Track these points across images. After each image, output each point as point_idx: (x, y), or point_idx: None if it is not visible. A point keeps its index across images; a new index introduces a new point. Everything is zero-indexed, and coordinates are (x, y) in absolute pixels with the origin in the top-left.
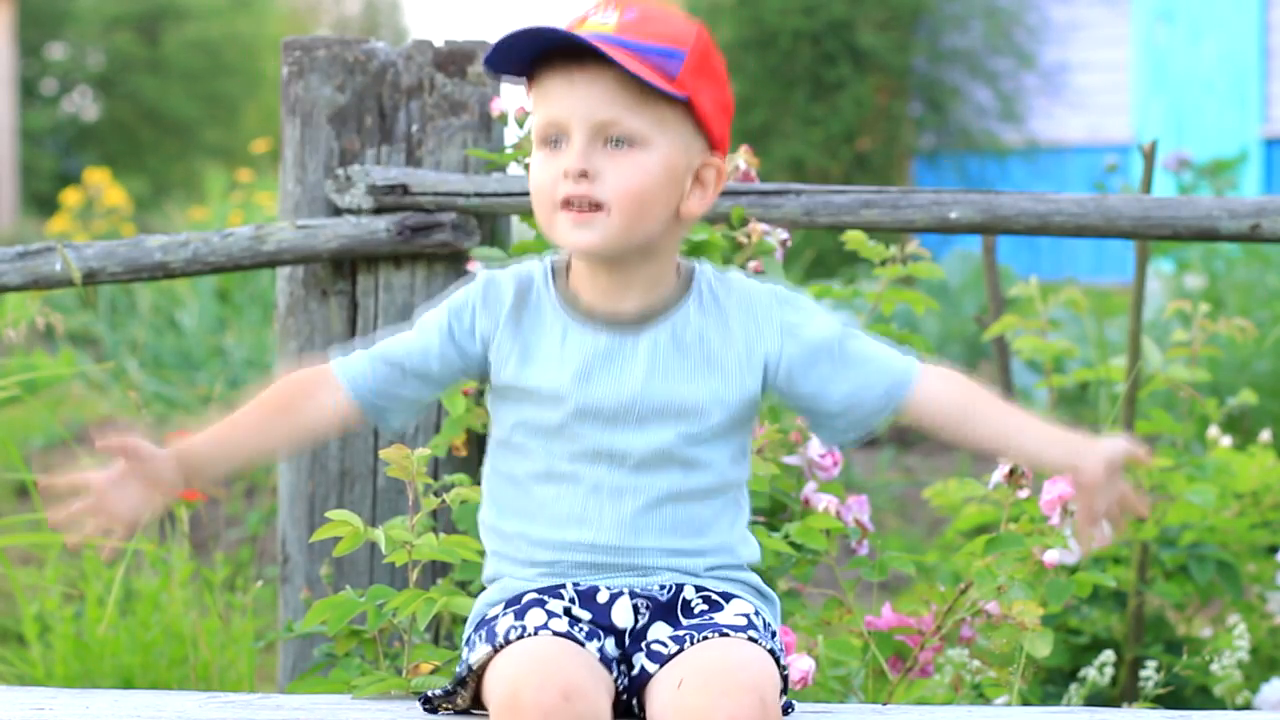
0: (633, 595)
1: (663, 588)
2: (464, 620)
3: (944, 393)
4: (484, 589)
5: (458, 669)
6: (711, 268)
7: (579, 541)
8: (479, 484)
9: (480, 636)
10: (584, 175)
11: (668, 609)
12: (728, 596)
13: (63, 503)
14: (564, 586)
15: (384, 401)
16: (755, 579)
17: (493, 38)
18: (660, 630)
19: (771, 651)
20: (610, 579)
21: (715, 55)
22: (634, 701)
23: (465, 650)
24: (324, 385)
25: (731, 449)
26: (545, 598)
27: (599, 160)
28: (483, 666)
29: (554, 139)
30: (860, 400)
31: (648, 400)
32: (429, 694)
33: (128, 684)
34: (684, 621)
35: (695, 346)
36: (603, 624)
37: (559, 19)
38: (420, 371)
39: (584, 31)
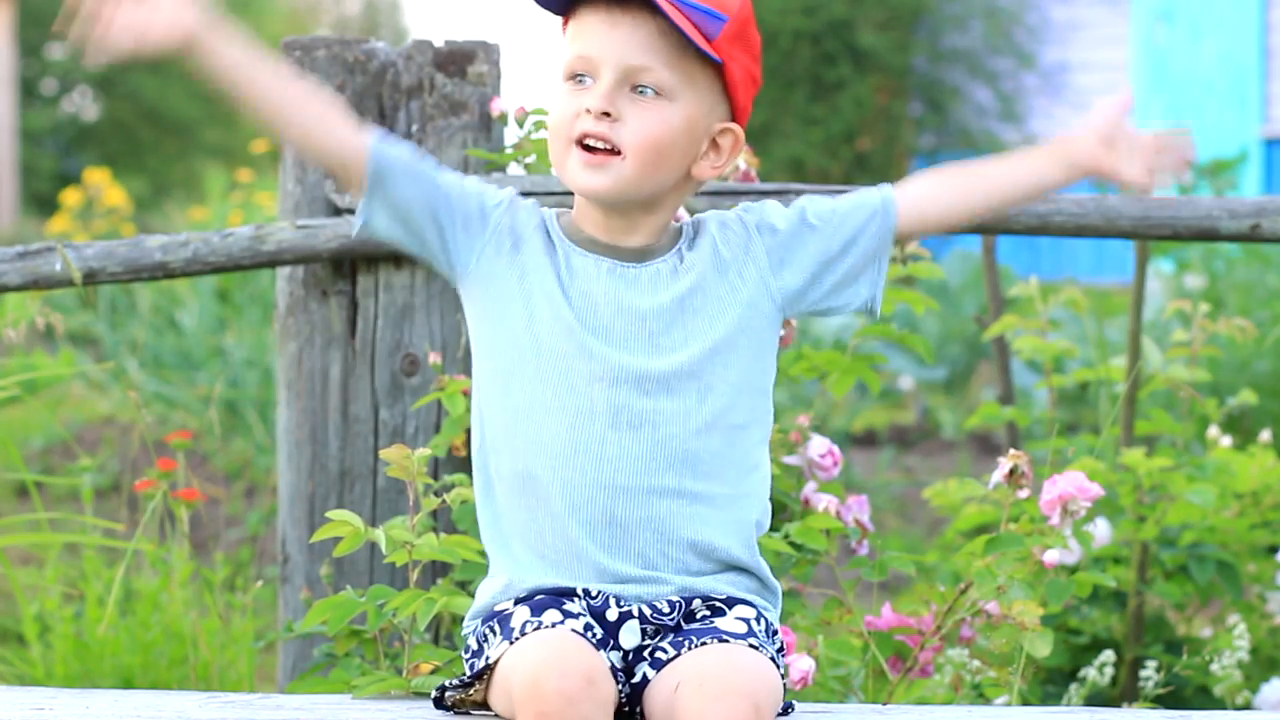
0: (642, 619)
1: (672, 607)
2: (464, 620)
3: (925, 188)
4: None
5: (465, 659)
6: (686, 216)
7: (596, 480)
8: (468, 473)
9: (494, 631)
10: (606, 115)
11: (674, 628)
12: (731, 602)
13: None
14: (575, 590)
15: (385, 177)
16: (762, 569)
17: (491, 37)
18: (664, 640)
19: (773, 659)
20: (621, 587)
21: (754, 29)
22: (635, 711)
23: (472, 640)
24: (357, 124)
25: (748, 376)
26: (561, 599)
27: (623, 104)
28: (498, 662)
29: (581, 75)
30: (859, 244)
31: (656, 319)
32: (445, 684)
33: (128, 684)
34: (685, 627)
35: (692, 274)
36: (608, 643)
37: None
38: (434, 188)
39: None
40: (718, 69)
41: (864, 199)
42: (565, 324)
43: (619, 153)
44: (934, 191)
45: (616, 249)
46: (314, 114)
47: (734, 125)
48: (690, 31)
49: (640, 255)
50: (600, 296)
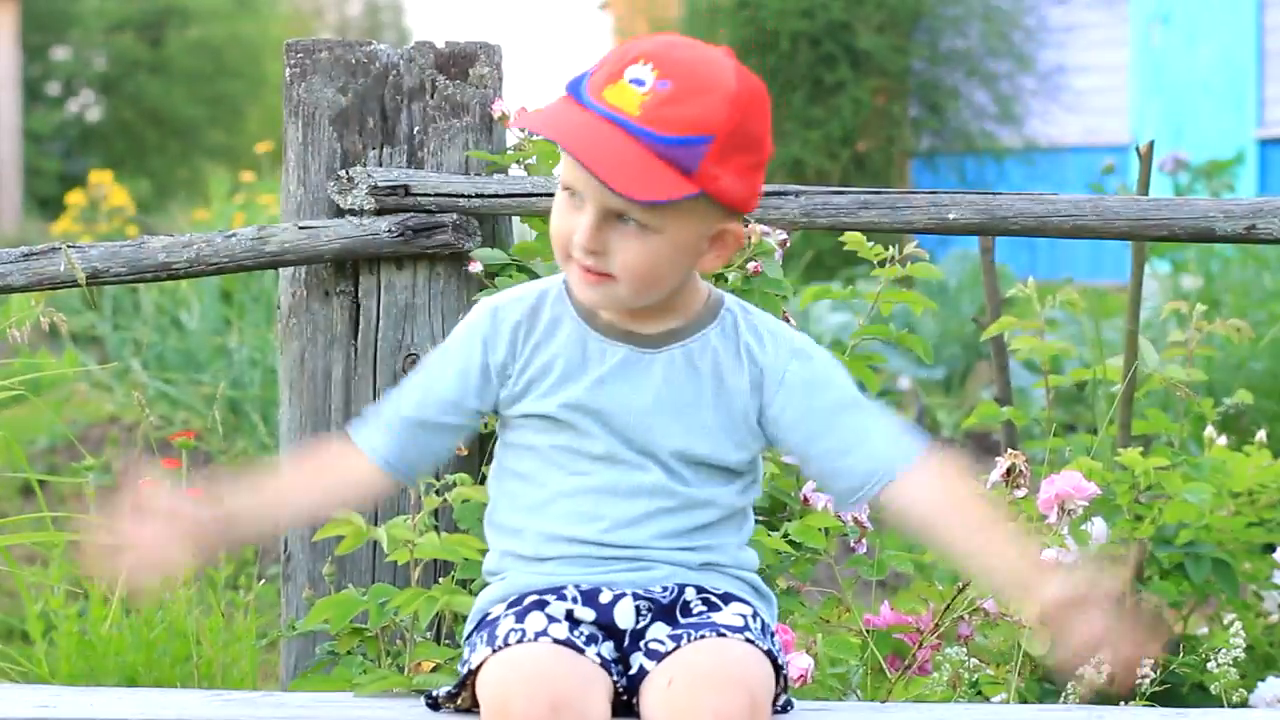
0: (635, 597)
1: (665, 589)
2: (465, 619)
3: (921, 501)
4: (485, 585)
5: (459, 668)
6: (741, 304)
7: (586, 538)
8: (480, 483)
9: (481, 638)
10: (593, 251)
11: (668, 610)
12: (727, 598)
13: (105, 542)
14: (566, 587)
15: (410, 461)
16: (754, 578)
17: (493, 39)
18: (659, 630)
19: (769, 653)
20: (611, 573)
21: (754, 118)
22: (634, 701)
23: (467, 649)
24: (351, 458)
25: (740, 473)
26: (548, 598)
27: (610, 236)
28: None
29: (572, 191)
30: (838, 475)
31: (659, 413)
32: (433, 693)
33: (131, 682)
34: (682, 621)
35: (709, 373)
36: (604, 623)
37: (596, 56)
38: (440, 422)
39: (610, 102)
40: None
41: (879, 457)
42: (575, 407)
43: (614, 278)
44: (918, 516)
45: (633, 335)
46: (333, 490)
47: (732, 224)
48: (655, 190)
49: (659, 340)
50: (611, 383)
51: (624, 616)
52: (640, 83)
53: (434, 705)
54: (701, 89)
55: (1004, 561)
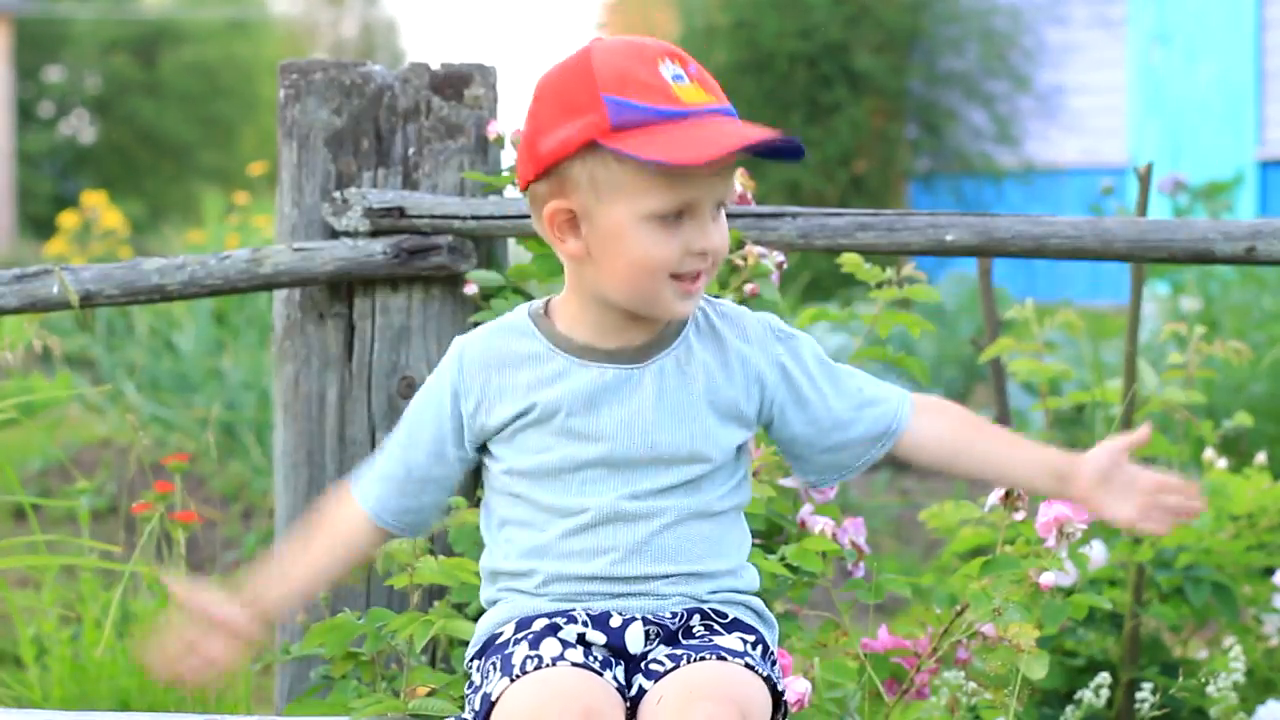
0: (645, 622)
1: (674, 615)
2: (462, 643)
3: (934, 432)
4: (482, 612)
5: (467, 695)
6: (703, 296)
7: (595, 574)
8: (475, 506)
9: (494, 665)
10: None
11: (673, 636)
12: (732, 626)
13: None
14: (575, 609)
15: (408, 516)
16: (758, 602)
17: (488, 60)
18: (660, 652)
19: (768, 680)
20: (624, 603)
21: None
22: None
23: (476, 674)
24: (356, 521)
25: (736, 474)
26: (559, 621)
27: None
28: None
29: (676, 214)
30: (848, 442)
31: (658, 427)
32: None
33: (125, 706)
34: (683, 642)
35: (700, 375)
36: (615, 647)
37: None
38: (426, 477)
39: (698, 100)
40: None
41: (881, 416)
42: (568, 435)
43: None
44: (937, 448)
45: (617, 353)
46: (348, 550)
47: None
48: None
49: (645, 352)
50: (604, 406)
51: (634, 641)
52: (681, 77)
53: None
54: (695, 58)
55: (1036, 458)
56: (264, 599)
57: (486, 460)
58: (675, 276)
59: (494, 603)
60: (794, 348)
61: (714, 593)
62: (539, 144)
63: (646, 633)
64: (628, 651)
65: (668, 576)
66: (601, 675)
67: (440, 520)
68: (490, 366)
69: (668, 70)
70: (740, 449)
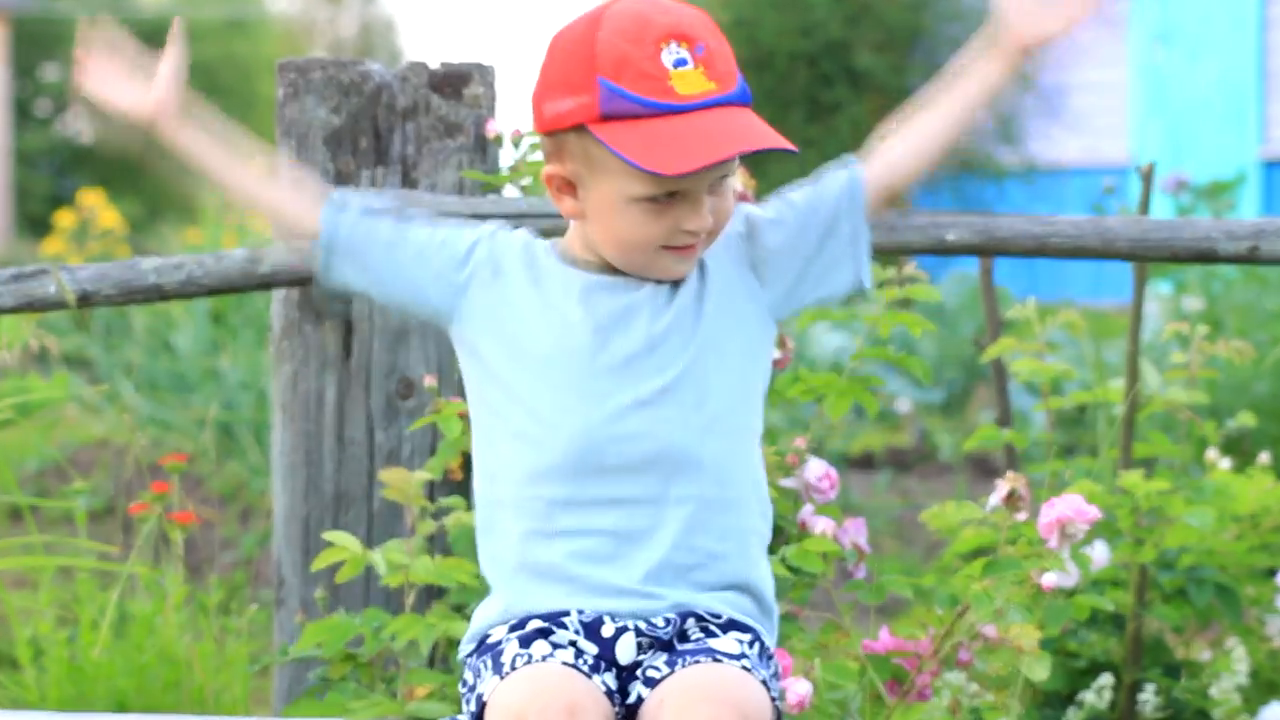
0: (638, 633)
1: (667, 621)
2: (459, 644)
3: (889, 151)
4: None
5: (463, 694)
6: None
7: (599, 496)
8: (474, 509)
9: (486, 664)
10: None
11: (667, 645)
12: (726, 626)
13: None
14: (569, 614)
15: (340, 250)
16: (761, 588)
17: (486, 59)
18: (657, 659)
19: (765, 683)
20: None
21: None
22: None
23: (469, 672)
24: (307, 207)
25: (742, 379)
26: (551, 626)
27: (711, 203)
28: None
29: (668, 195)
30: (836, 233)
31: (657, 330)
32: None
33: (122, 707)
34: (679, 647)
35: (691, 283)
36: (606, 657)
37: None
38: (390, 249)
39: (695, 91)
40: None
41: (831, 187)
42: (562, 345)
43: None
44: (898, 150)
45: (616, 268)
46: (273, 201)
47: None
48: (774, 139)
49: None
50: (601, 313)
51: (625, 652)
52: (685, 62)
53: None
54: (710, 31)
55: (964, 66)
56: (192, 130)
57: (471, 369)
58: (667, 247)
59: (487, 531)
60: (744, 217)
61: (711, 588)
62: (542, 107)
63: (639, 644)
64: (619, 662)
65: (670, 498)
66: (590, 678)
67: (340, 285)
68: (504, 255)
69: (670, 55)
70: (748, 353)
